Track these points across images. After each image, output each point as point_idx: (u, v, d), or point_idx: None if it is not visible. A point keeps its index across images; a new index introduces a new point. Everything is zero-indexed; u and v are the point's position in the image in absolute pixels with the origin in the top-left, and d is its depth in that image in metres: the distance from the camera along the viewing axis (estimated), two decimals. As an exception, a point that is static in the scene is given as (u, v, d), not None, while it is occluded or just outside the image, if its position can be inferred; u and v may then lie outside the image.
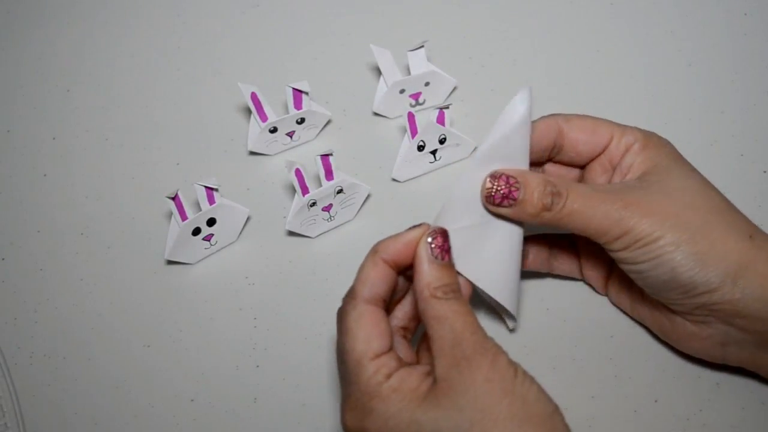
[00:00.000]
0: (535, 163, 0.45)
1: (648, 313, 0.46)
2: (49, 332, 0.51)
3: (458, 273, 0.41)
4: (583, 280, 0.49)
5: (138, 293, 0.52)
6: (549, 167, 0.47)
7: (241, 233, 0.53)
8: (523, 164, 0.42)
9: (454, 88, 0.59)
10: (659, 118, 0.57)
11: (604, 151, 0.44)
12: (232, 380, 0.48)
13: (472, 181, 0.42)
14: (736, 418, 0.45)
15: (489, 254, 0.42)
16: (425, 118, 0.52)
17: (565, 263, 0.49)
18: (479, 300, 0.47)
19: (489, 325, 0.49)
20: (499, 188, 0.41)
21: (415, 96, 0.57)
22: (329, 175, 0.50)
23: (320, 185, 0.50)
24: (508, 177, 0.41)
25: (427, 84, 0.57)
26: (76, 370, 0.49)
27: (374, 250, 0.40)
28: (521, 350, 0.48)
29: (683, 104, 0.58)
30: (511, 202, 0.41)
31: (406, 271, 0.41)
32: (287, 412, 0.47)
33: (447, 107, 0.52)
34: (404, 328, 0.42)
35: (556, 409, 0.37)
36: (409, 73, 0.56)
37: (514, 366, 0.37)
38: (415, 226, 0.40)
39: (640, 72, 0.60)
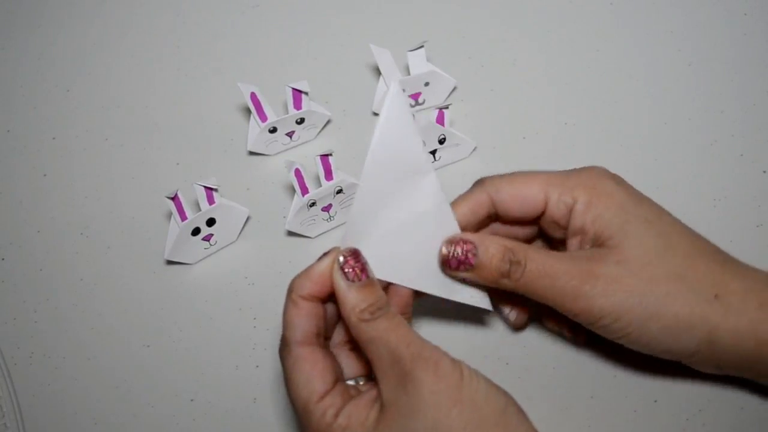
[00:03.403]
0: (478, 228, 0.44)
1: None
2: (49, 332, 0.51)
3: (391, 282, 0.40)
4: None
5: (138, 293, 0.52)
6: (496, 226, 0.45)
7: (240, 233, 0.54)
8: (418, 163, 0.40)
9: (454, 88, 0.59)
10: (659, 118, 0.57)
11: (543, 213, 0.42)
12: (232, 380, 0.48)
13: (375, 189, 0.39)
14: (735, 418, 0.45)
15: (417, 254, 0.41)
16: (425, 118, 0.52)
17: (550, 323, 0.48)
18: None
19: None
20: (455, 253, 0.41)
21: (415, 96, 0.57)
22: (329, 175, 0.50)
23: (320, 185, 0.50)
24: (465, 242, 0.41)
25: (426, 84, 0.57)
26: (75, 370, 0.49)
27: (289, 290, 0.39)
28: (521, 350, 0.48)
29: (683, 104, 0.58)
30: (468, 267, 0.41)
31: (331, 297, 0.39)
32: (287, 412, 0.47)
33: (446, 107, 0.52)
34: (349, 341, 0.41)
35: (507, 403, 0.37)
36: (408, 73, 0.56)
37: (459, 367, 0.37)
38: (325, 254, 0.39)
39: (640, 72, 0.60)
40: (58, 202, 0.56)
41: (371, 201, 0.39)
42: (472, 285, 0.43)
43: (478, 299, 0.43)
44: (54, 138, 0.59)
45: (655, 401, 0.45)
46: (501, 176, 0.43)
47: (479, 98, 0.59)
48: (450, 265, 0.41)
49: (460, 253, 0.41)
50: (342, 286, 0.38)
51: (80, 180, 0.57)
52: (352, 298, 0.38)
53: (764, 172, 0.54)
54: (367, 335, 0.37)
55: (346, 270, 0.38)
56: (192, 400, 0.48)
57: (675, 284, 0.39)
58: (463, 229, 0.42)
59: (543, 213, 0.43)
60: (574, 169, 0.43)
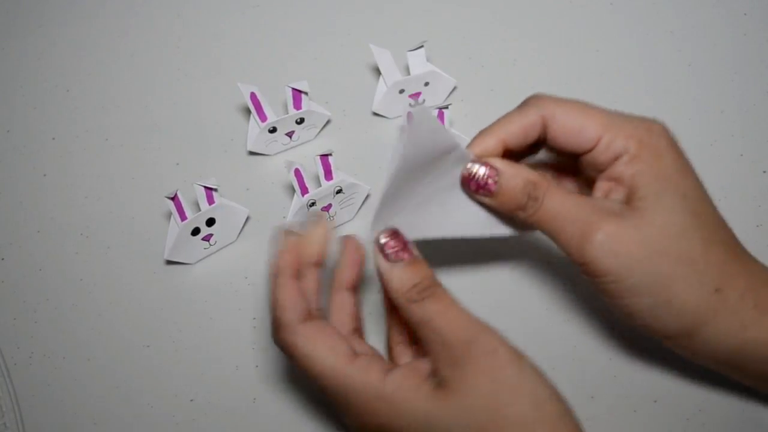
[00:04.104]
0: (526, 151, 0.43)
1: None
2: (48, 332, 0.51)
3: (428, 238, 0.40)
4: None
5: (138, 293, 0.52)
6: (545, 152, 0.44)
7: (240, 233, 0.54)
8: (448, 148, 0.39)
9: (454, 88, 0.59)
10: (659, 118, 0.57)
11: (590, 150, 0.41)
12: (232, 380, 0.48)
13: (400, 184, 0.38)
14: (735, 418, 0.45)
15: (443, 204, 0.41)
16: (425, 118, 0.52)
17: None
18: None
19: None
20: (478, 175, 0.39)
21: (415, 96, 0.57)
22: (328, 175, 0.50)
23: (320, 185, 0.50)
24: (490, 166, 0.39)
25: (426, 84, 0.57)
26: (75, 370, 0.49)
27: (275, 274, 0.38)
28: (522, 350, 0.48)
29: (683, 104, 0.58)
30: (487, 192, 0.40)
31: (321, 263, 0.38)
32: (287, 412, 0.47)
33: (446, 107, 0.52)
34: (355, 330, 0.41)
35: (567, 409, 0.36)
36: (408, 73, 0.56)
37: (518, 359, 0.36)
38: (286, 232, 0.38)
39: (640, 72, 0.60)
40: (58, 202, 0.56)
41: (396, 192, 0.38)
42: (496, 216, 0.42)
43: (504, 229, 0.42)
44: (54, 138, 0.59)
45: (655, 401, 0.45)
46: (557, 101, 0.41)
47: (479, 98, 0.59)
48: (470, 186, 0.40)
49: (481, 177, 0.39)
50: (385, 267, 0.37)
51: (80, 180, 0.57)
52: (396, 278, 0.37)
53: (764, 172, 0.54)
54: (416, 317, 0.36)
55: (389, 252, 0.37)
56: (192, 400, 0.48)
57: (683, 267, 0.38)
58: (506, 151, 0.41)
59: (586, 152, 0.41)
60: (635, 117, 0.41)
